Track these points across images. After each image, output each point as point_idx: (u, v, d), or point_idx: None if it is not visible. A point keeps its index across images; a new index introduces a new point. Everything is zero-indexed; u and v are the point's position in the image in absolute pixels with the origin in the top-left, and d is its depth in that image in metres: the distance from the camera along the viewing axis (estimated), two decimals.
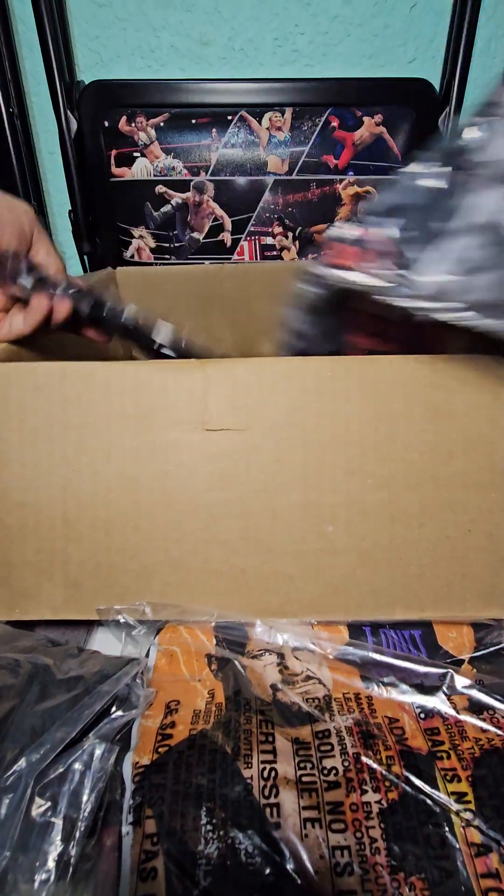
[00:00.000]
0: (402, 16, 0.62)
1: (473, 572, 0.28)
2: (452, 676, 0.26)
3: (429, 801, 0.21)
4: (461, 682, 0.26)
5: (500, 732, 0.24)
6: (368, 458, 0.28)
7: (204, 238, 0.68)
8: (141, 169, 0.64)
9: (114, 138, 0.63)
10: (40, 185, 0.70)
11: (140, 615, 0.28)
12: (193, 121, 0.62)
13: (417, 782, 0.22)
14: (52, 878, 0.19)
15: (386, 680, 0.27)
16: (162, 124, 0.62)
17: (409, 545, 0.28)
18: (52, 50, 0.59)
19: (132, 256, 0.70)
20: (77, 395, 0.28)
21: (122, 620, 0.28)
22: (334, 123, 0.62)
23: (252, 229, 0.68)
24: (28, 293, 0.31)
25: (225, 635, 0.29)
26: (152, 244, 0.69)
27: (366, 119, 0.62)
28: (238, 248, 0.68)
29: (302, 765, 0.22)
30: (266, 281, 0.55)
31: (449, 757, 0.23)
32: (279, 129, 0.62)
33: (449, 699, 0.25)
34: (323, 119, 0.62)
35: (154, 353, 0.33)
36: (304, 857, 0.19)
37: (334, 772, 0.22)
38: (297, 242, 0.68)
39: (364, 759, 0.22)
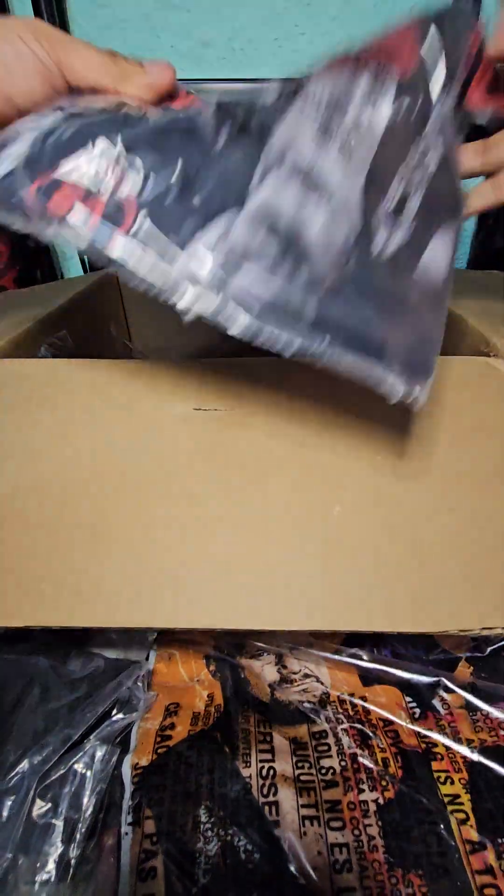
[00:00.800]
0: (402, 16, 0.62)
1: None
2: (449, 676, 0.26)
3: (424, 800, 0.21)
4: (457, 681, 0.26)
5: (494, 734, 0.24)
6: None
7: None
8: None
9: None
10: None
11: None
12: None
13: (413, 782, 0.22)
14: (53, 879, 0.19)
15: (383, 679, 0.27)
16: None
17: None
18: None
19: None
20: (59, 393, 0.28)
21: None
22: None
23: None
24: None
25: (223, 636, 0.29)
26: None
27: None
28: None
29: (300, 764, 0.23)
30: None
31: (443, 759, 0.23)
32: None
33: (444, 700, 0.26)
34: None
35: None
36: (303, 854, 0.20)
37: (332, 770, 0.22)
38: None
39: (361, 758, 0.23)
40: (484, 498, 0.25)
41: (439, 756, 0.23)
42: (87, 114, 0.24)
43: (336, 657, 0.28)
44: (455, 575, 0.25)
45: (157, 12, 0.62)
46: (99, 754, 0.22)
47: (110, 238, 0.20)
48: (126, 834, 0.20)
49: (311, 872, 0.19)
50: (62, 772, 0.21)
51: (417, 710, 0.25)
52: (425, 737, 0.24)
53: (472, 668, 0.27)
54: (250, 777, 0.22)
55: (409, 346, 0.19)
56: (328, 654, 0.28)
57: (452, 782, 0.22)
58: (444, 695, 0.26)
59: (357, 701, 0.26)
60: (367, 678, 0.27)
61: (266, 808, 0.21)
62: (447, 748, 0.23)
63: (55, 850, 0.20)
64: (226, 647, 0.28)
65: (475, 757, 0.23)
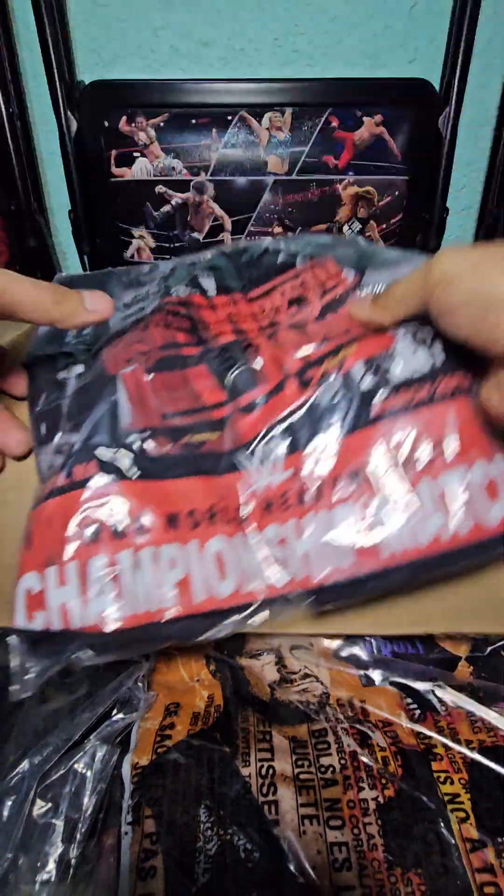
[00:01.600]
0: (402, 16, 0.62)
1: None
2: (449, 676, 0.26)
3: (424, 799, 0.21)
4: (456, 681, 0.26)
5: (492, 734, 0.24)
6: None
7: (204, 238, 0.68)
8: (141, 169, 0.64)
9: (114, 138, 0.63)
10: (40, 185, 0.70)
11: None
12: (193, 121, 0.62)
13: (413, 780, 0.22)
14: (53, 879, 0.19)
15: (382, 678, 0.27)
16: (162, 124, 0.62)
17: None
18: (52, 50, 0.59)
19: (132, 256, 0.70)
20: None
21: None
22: (334, 124, 0.62)
23: (252, 229, 0.68)
24: None
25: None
26: (152, 244, 0.69)
27: (366, 119, 0.62)
28: None
29: (299, 763, 0.23)
30: None
31: (442, 759, 0.23)
32: (279, 129, 0.62)
33: (442, 700, 0.26)
34: (323, 119, 0.62)
35: None
36: (303, 853, 0.20)
37: (331, 769, 0.22)
38: None
39: (360, 757, 0.23)
40: None
41: (439, 756, 0.23)
42: None
43: (336, 657, 0.28)
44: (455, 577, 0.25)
45: (158, 12, 0.62)
46: (99, 754, 0.22)
47: None
48: (126, 833, 0.20)
49: (311, 871, 0.19)
50: (62, 772, 0.21)
51: (417, 711, 0.25)
52: (425, 737, 0.24)
53: (471, 668, 0.27)
54: (250, 776, 0.22)
55: None
56: (328, 655, 0.28)
57: (452, 782, 0.22)
58: (444, 695, 0.26)
59: (356, 701, 0.26)
60: (367, 677, 0.27)
61: (265, 807, 0.21)
62: (447, 748, 0.23)
63: (55, 849, 0.20)
64: (226, 647, 0.28)
65: (475, 757, 0.23)
